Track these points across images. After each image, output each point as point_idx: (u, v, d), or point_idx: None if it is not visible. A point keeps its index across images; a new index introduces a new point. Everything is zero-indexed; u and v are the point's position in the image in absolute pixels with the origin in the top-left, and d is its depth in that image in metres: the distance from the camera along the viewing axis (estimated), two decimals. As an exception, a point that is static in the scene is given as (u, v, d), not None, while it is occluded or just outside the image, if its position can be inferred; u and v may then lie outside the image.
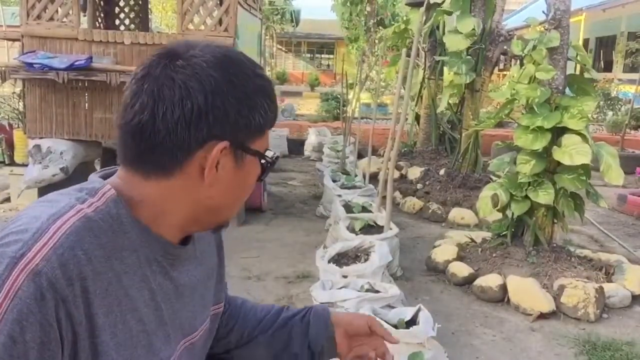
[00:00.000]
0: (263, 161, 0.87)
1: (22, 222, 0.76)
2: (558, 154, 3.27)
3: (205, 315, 1.01)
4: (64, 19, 4.12)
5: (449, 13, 5.56)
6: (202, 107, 0.79)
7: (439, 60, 6.56)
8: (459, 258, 3.68)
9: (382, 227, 3.57)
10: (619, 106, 10.97)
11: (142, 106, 0.78)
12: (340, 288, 2.55)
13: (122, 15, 5.38)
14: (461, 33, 5.10)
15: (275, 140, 8.05)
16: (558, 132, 3.35)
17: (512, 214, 3.58)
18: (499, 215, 3.79)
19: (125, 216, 0.81)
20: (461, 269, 3.51)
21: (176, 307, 0.90)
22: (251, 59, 0.88)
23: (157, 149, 0.79)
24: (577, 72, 3.72)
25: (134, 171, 0.83)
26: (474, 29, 5.10)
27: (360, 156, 6.05)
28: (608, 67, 15.14)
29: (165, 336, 0.87)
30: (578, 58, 3.56)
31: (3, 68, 4.01)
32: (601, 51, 16.07)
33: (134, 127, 0.79)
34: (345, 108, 6.83)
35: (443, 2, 5.82)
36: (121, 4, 5.38)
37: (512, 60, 12.36)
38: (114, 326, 0.78)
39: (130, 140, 0.81)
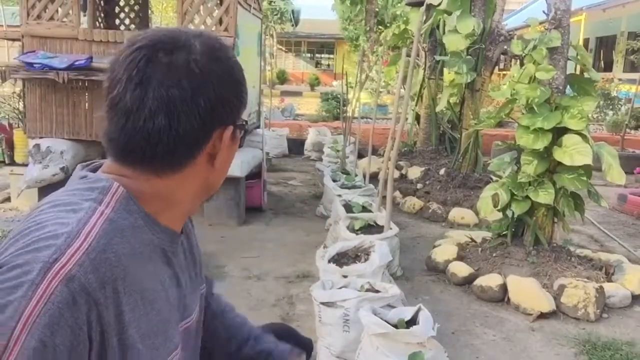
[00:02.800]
0: (239, 132, 0.89)
1: (50, 228, 0.77)
2: (559, 154, 3.27)
3: (196, 298, 1.02)
4: (64, 19, 4.12)
5: (449, 13, 5.55)
6: (212, 101, 0.81)
7: (439, 60, 6.56)
8: (459, 258, 3.68)
9: (382, 226, 3.57)
10: (619, 106, 10.97)
11: (152, 111, 0.79)
12: (341, 288, 2.55)
13: (122, 15, 5.38)
14: (460, 33, 5.10)
15: (276, 140, 8.05)
16: (559, 132, 3.35)
17: (513, 213, 3.58)
18: (499, 215, 3.79)
19: (137, 212, 0.83)
20: (461, 269, 3.51)
21: (177, 293, 0.92)
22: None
23: (174, 148, 0.81)
24: (578, 72, 3.71)
25: (144, 169, 0.84)
26: (474, 30, 5.10)
27: (360, 156, 6.05)
28: (608, 67, 15.14)
29: (175, 322, 0.91)
30: (578, 58, 3.56)
31: (3, 68, 4.02)
32: (601, 51, 16.06)
33: (147, 131, 0.80)
34: (345, 108, 6.83)
35: (439, 4, 5.81)
36: (121, 3, 5.38)
37: (513, 60, 12.35)
38: (139, 320, 0.80)
39: (143, 143, 0.81)
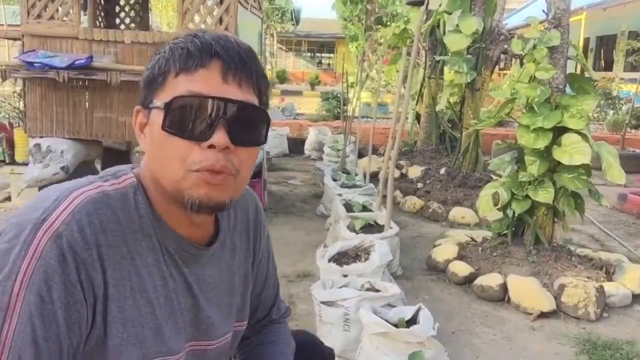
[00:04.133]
0: (160, 105, 0.84)
1: (45, 193, 0.82)
2: (558, 153, 3.27)
3: (227, 328, 1.01)
4: (65, 18, 4.11)
5: (449, 12, 5.55)
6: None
7: (439, 60, 6.55)
8: (460, 257, 3.68)
9: (383, 226, 3.57)
10: (620, 105, 10.96)
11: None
12: (341, 287, 2.55)
13: (122, 14, 5.38)
14: (461, 32, 5.09)
15: (276, 139, 8.04)
16: (559, 131, 3.35)
17: (513, 213, 3.57)
18: (499, 215, 3.79)
19: (142, 202, 0.86)
20: (461, 268, 3.51)
21: (189, 303, 0.92)
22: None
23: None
24: (578, 71, 3.71)
25: None
26: (477, 30, 5.09)
27: (360, 155, 6.06)
28: (609, 66, 15.13)
29: (176, 327, 0.90)
30: (578, 57, 3.56)
31: (3, 67, 4.01)
32: (602, 50, 16.06)
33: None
34: (345, 107, 6.83)
35: (440, 5, 5.81)
36: (121, 2, 5.38)
37: (513, 59, 12.35)
38: (123, 300, 0.82)
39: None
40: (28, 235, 0.75)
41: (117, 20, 5.35)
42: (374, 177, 5.42)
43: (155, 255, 0.87)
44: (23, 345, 0.73)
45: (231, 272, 1.01)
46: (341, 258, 3.02)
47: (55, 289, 0.75)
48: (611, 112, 10.83)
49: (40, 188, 4.26)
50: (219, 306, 0.98)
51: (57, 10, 4.09)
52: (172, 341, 0.88)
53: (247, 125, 0.84)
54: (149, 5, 5.73)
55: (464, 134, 5.83)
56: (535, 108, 3.36)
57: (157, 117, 0.83)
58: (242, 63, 0.83)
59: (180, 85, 0.81)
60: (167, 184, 0.84)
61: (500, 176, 3.80)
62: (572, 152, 3.21)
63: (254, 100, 0.85)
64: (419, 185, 5.70)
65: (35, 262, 0.74)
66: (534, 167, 3.34)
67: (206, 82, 0.80)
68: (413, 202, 5.32)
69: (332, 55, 31.06)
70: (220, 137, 0.80)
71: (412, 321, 2.23)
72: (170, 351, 0.88)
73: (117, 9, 5.37)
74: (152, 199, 0.87)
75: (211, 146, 0.81)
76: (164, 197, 0.87)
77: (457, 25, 5.12)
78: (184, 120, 0.80)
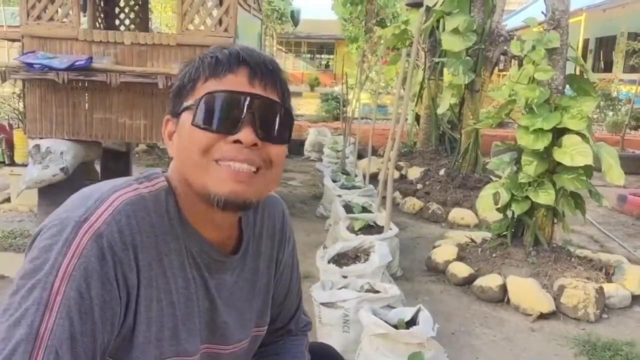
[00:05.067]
0: (191, 102, 0.87)
1: (86, 192, 0.85)
2: (559, 155, 3.27)
3: (244, 334, 1.02)
4: (64, 19, 4.11)
5: (448, 13, 5.55)
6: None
7: (438, 61, 6.56)
8: (459, 258, 3.68)
9: (382, 227, 3.57)
10: (619, 106, 10.97)
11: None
12: (340, 288, 2.55)
13: (122, 16, 5.38)
14: (457, 34, 5.09)
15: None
16: (559, 132, 3.35)
17: (512, 214, 3.58)
18: (499, 216, 3.79)
19: (172, 205, 0.89)
20: (461, 269, 3.51)
21: (206, 306, 0.94)
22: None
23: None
24: (577, 72, 3.71)
25: None
26: (459, 27, 5.07)
27: (360, 156, 6.05)
28: (608, 68, 15.14)
29: (192, 330, 0.92)
30: (576, 59, 3.56)
31: (3, 68, 4.01)
32: (601, 51, 16.07)
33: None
34: (345, 108, 6.83)
35: (435, 4, 5.82)
36: (121, 4, 5.38)
37: (512, 60, 12.37)
38: (150, 300, 0.85)
39: None
40: (70, 233, 0.78)
41: (117, 22, 5.35)
42: (373, 178, 5.42)
43: (180, 258, 0.89)
44: (61, 339, 0.75)
45: (254, 279, 1.02)
46: (341, 259, 3.02)
47: (94, 287, 0.77)
48: (610, 113, 10.84)
49: (40, 189, 4.26)
50: (237, 312, 0.99)
51: (57, 11, 4.09)
52: (187, 343, 0.91)
53: (273, 122, 0.87)
54: (149, 6, 5.73)
55: (463, 135, 5.83)
56: (535, 109, 3.36)
57: (187, 117, 0.86)
58: (267, 70, 0.87)
59: (209, 88, 0.85)
60: (193, 180, 0.86)
61: (499, 177, 3.80)
62: (573, 153, 3.21)
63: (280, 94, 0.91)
64: (419, 186, 5.71)
65: (76, 259, 0.77)
66: (531, 168, 3.34)
67: (234, 85, 0.84)
68: (412, 203, 5.32)
69: (331, 56, 31.07)
70: (247, 133, 0.83)
71: (412, 322, 2.23)
72: (185, 352, 0.90)
73: (117, 10, 5.37)
74: (181, 202, 0.90)
75: (238, 142, 0.83)
76: (191, 198, 0.89)
77: (447, 24, 5.12)
78: (212, 114, 0.83)
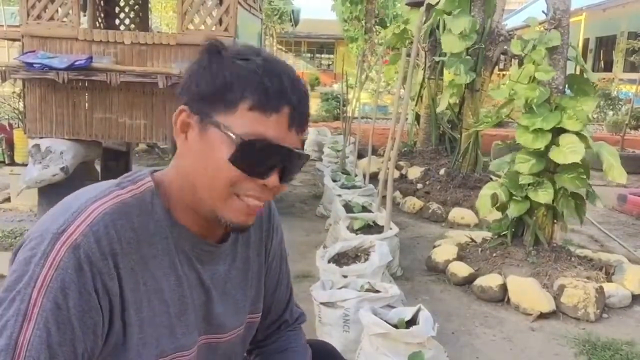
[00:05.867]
0: (232, 136, 0.85)
1: (66, 203, 0.86)
2: (554, 154, 3.27)
3: (238, 321, 1.05)
4: (64, 19, 4.11)
5: (449, 13, 5.55)
6: (185, 78, 0.90)
7: (438, 61, 6.55)
8: (459, 258, 3.68)
9: (382, 226, 3.57)
10: (619, 106, 10.96)
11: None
12: (340, 288, 2.55)
13: (122, 15, 5.38)
14: (454, 33, 5.09)
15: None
16: (558, 132, 3.35)
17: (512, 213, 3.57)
18: (499, 215, 3.79)
19: (158, 205, 0.90)
20: (461, 269, 3.51)
21: (201, 299, 0.96)
22: (252, 47, 0.93)
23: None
24: (577, 72, 3.71)
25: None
26: (465, 30, 5.07)
27: (360, 156, 6.05)
28: (608, 67, 15.14)
29: (188, 324, 0.94)
30: (577, 59, 3.56)
31: (3, 68, 4.01)
32: (601, 51, 16.06)
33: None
34: (345, 108, 6.83)
35: (437, 2, 5.81)
36: (121, 3, 5.38)
37: (512, 60, 12.36)
38: (139, 303, 0.87)
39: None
40: (47, 245, 0.79)
41: (117, 21, 5.35)
42: (373, 177, 5.42)
43: (170, 257, 0.90)
44: (39, 350, 0.77)
45: (245, 266, 1.05)
46: (341, 259, 3.02)
47: (72, 297, 0.79)
48: (611, 112, 10.84)
49: (40, 189, 4.26)
50: (232, 301, 1.02)
51: (57, 11, 4.09)
52: (184, 337, 0.93)
53: (297, 170, 0.92)
54: (149, 6, 5.73)
55: (463, 134, 5.83)
56: (534, 109, 3.36)
57: (220, 140, 0.85)
58: (304, 110, 0.90)
59: (254, 124, 0.84)
60: (207, 198, 0.88)
61: (499, 177, 3.80)
62: (567, 151, 3.21)
63: (302, 139, 0.94)
64: (419, 186, 5.71)
65: (53, 271, 0.78)
66: (526, 166, 3.34)
67: (277, 128, 0.86)
68: (413, 202, 5.32)
69: (331, 56, 31.05)
70: (274, 179, 0.88)
71: (412, 322, 2.23)
72: (183, 347, 0.93)
73: (117, 9, 5.37)
74: (170, 200, 0.91)
75: (263, 184, 0.88)
76: (185, 200, 0.91)
77: (450, 26, 5.11)
78: (251, 160, 0.85)
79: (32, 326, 0.77)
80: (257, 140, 0.84)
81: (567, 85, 3.55)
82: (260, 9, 5.65)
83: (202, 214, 0.91)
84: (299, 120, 0.89)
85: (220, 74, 0.86)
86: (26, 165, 4.34)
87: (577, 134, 3.26)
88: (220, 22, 4.09)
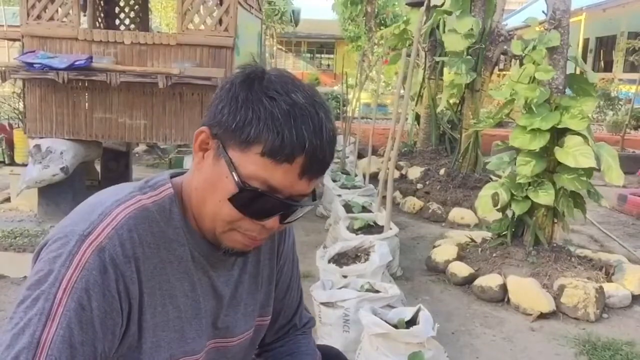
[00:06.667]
0: (236, 178, 0.84)
1: (90, 205, 0.88)
2: (561, 155, 3.26)
3: (247, 325, 1.06)
4: (64, 19, 4.11)
5: (449, 13, 5.55)
6: (217, 94, 0.89)
7: (439, 61, 6.55)
8: (459, 258, 3.68)
9: (382, 227, 3.57)
10: (619, 106, 10.96)
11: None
12: (340, 288, 2.55)
13: (122, 15, 5.38)
14: (460, 33, 5.09)
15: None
16: (558, 132, 3.35)
17: (512, 213, 3.57)
18: (499, 215, 3.79)
19: (176, 213, 0.92)
20: (461, 269, 3.51)
21: (213, 305, 0.98)
22: (310, 88, 0.89)
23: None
24: (577, 72, 3.71)
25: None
26: (472, 29, 5.09)
27: (360, 156, 6.05)
28: (608, 67, 15.14)
29: (198, 329, 0.96)
30: (577, 59, 3.56)
31: (3, 68, 4.01)
32: (601, 51, 16.06)
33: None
34: (345, 108, 6.83)
35: (443, 3, 5.81)
36: (121, 3, 5.38)
37: (512, 60, 12.36)
38: (154, 307, 0.88)
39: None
40: (74, 246, 0.81)
41: (117, 21, 5.35)
42: (373, 177, 5.41)
43: (186, 262, 0.93)
44: (60, 349, 0.78)
45: (256, 270, 1.06)
46: (341, 259, 3.02)
47: (95, 298, 0.81)
48: (610, 112, 10.83)
49: (40, 189, 4.26)
50: (242, 305, 1.04)
51: (57, 11, 4.09)
52: (194, 342, 0.95)
53: (298, 216, 0.91)
54: (149, 6, 5.73)
55: (463, 134, 5.83)
56: (534, 109, 3.36)
57: (226, 175, 0.85)
58: (324, 159, 0.86)
59: (261, 169, 0.83)
60: (209, 222, 0.90)
61: (499, 176, 3.80)
62: (577, 154, 3.20)
63: (316, 185, 0.92)
64: (419, 186, 5.70)
65: (78, 272, 0.80)
66: (527, 168, 3.34)
67: (284, 178, 0.84)
68: (413, 202, 5.32)
69: (331, 56, 31.06)
70: (274, 222, 0.89)
71: (412, 322, 2.23)
72: (192, 351, 0.95)
73: (117, 10, 5.37)
74: (187, 208, 0.93)
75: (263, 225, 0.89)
76: (195, 210, 0.93)
77: (454, 26, 5.12)
78: (252, 206, 0.86)
79: (55, 325, 0.78)
80: (257, 189, 0.84)
81: (567, 86, 3.55)
82: (260, 9, 5.65)
83: (205, 231, 0.93)
84: (316, 168, 0.86)
85: (244, 109, 0.84)
86: (26, 165, 4.35)
87: (579, 134, 3.26)
88: (220, 22, 4.09)
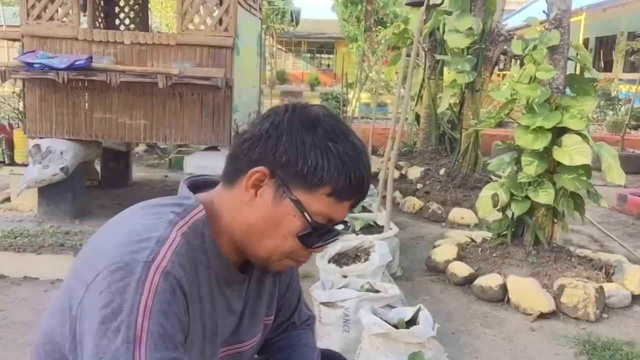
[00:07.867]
0: (308, 219, 0.92)
1: (132, 231, 0.90)
2: (558, 154, 3.26)
3: (257, 329, 1.12)
4: (64, 19, 4.11)
5: (449, 13, 5.55)
6: (263, 133, 0.92)
7: (439, 60, 6.55)
8: (459, 258, 3.68)
9: (382, 226, 3.57)
10: (619, 106, 10.97)
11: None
12: (340, 288, 2.55)
13: (122, 15, 5.39)
14: (460, 31, 5.09)
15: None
16: (558, 132, 3.35)
17: (512, 213, 3.57)
18: (499, 215, 3.79)
19: (207, 236, 0.96)
20: (461, 269, 3.51)
21: (228, 322, 1.04)
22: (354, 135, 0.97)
23: (233, 160, 0.96)
24: (578, 72, 3.71)
25: (222, 183, 0.99)
26: (471, 28, 5.09)
27: (360, 156, 6.04)
28: (608, 67, 15.14)
29: (214, 345, 1.01)
30: (578, 57, 3.56)
31: (3, 68, 4.01)
32: (601, 51, 16.06)
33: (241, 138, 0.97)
34: (345, 107, 6.83)
35: (442, 3, 5.81)
36: (121, 3, 5.39)
37: (512, 60, 12.36)
38: (193, 327, 0.93)
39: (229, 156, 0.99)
40: (141, 273, 0.84)
41: (117, 21, 5.36)
42: (373, 177, 5.39)
43: (209, 284, 0.97)
44: None
45: (262, 277, 1.11)
46: (341, 259, 3.02)
47: (170, 320, 0.84)
48: (610, 112, 10.84)
49: (40, 189, 4.26)
50: (252, 311, 1.09)
51: (57, 11, 4.09)
52: (210, 356, 1.01)
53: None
54: (149, 6, 5.74)
55: (463, 134, 5.83)
56: (536, 108, 3.36)
57: (294, 214, 0.93)
58: (364, 197, 1.01)
59: (327, 208, 0.94)
60: (262, 253, 0.98)
61: (499, 177, 3.80)
62: (573, 152, 3.20)
63: None
64: (419, 186, 5.70)
65: (152, 296, 0.83)
66: (531, 168, 3.34)
67: (343, 212, 0.97)
68: (413, 202, 5.32)
69: (331, 56, 31.06)
70: (321, 248, 1.00)
71: (412, 322, 2.23)
72: None
73: (117, 10, 5.38)
74: (216, 232, 0.97)
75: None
76: (234, 238, 0.98)
77: (455, 25, 5.12)
78: (317, 239, 0.96)
79: (144, 349, 0.81)
80: (326, 225, 0.95)
81: (567, 85, 3.55)
82: (260, 9, 5.66)
83: (248, 256, 1.00)
84: (357, 204, 0.99)
85: (314, 153, 0.90)
86: (26, 165, 4.35)
87: (579, 133, 3.26)
88: (220, 22, 4.09)
